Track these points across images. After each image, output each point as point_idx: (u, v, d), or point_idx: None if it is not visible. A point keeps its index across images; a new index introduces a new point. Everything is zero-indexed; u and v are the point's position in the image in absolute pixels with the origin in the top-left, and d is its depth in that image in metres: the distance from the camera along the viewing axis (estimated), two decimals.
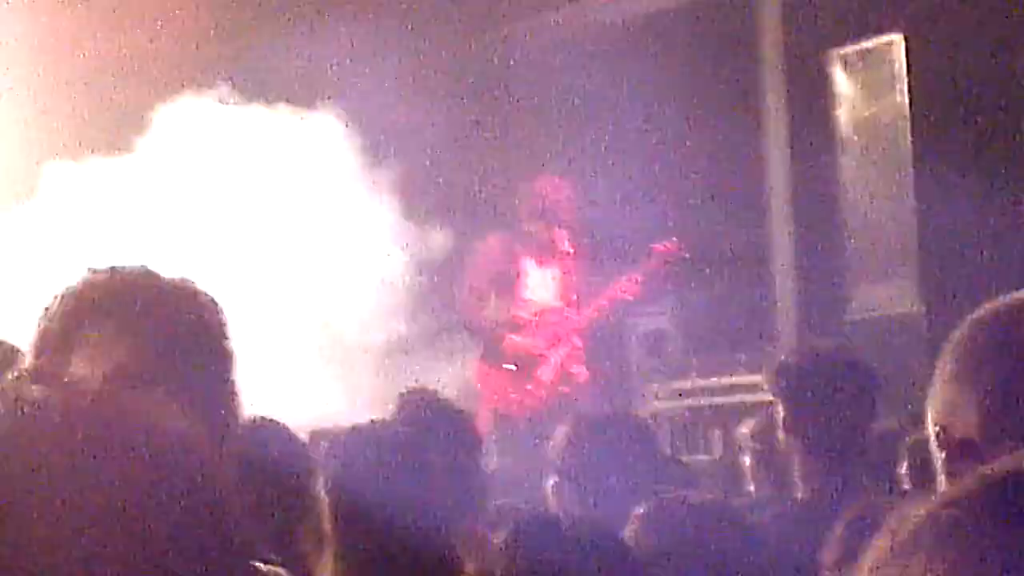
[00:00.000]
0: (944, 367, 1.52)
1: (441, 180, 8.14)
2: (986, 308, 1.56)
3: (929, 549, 0.82)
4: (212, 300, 1.78)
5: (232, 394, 1.76)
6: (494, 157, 8.75)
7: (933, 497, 0.85)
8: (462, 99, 8.80)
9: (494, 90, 9.16)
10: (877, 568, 0.84)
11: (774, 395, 3.36)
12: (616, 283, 7.06)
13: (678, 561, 2.11)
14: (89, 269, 1.75)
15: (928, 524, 0.83)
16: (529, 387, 7.14)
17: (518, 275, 7.27)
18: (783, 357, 3.41)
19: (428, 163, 8.09)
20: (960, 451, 1.47)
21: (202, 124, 7.41)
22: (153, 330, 1.69)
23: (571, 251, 7.15)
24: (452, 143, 8.46)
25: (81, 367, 1.60)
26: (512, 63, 9.18)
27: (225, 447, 1.70)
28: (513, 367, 7.21)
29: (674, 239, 7.06)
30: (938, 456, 1.51)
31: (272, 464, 2.72)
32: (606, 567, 2.12)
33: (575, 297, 7.22)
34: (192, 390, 1.64)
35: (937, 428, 1.51)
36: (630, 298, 7.08)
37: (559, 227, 7.09)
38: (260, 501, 2.65)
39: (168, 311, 1.73)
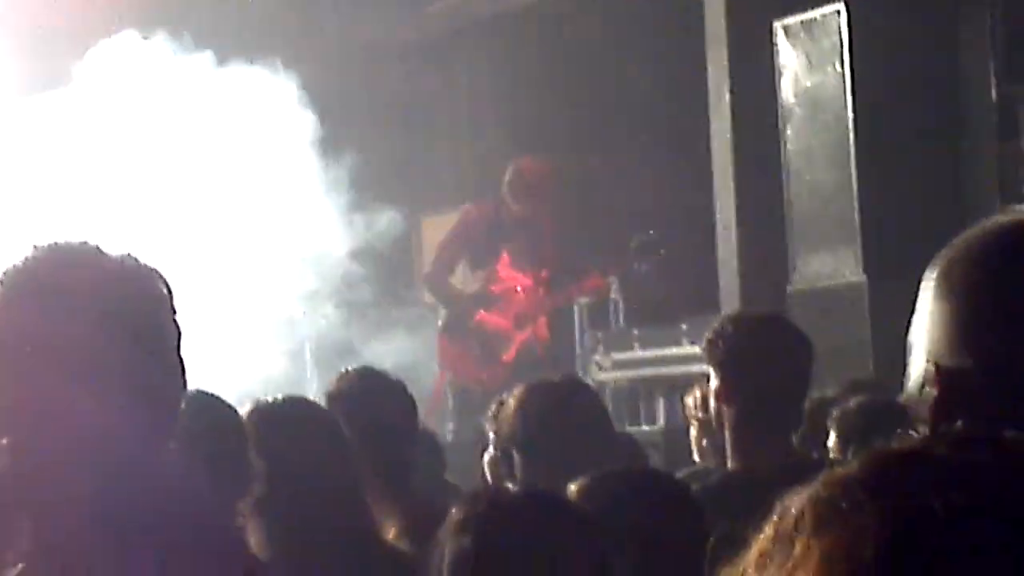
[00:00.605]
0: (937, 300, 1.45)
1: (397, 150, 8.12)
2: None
3: (808, 532, 0.82)
4: (157, 276, 1.74)
5: (179, 371, 1.73)
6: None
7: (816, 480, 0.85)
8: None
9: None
10: (762, 554, 0.84)
11: (708, 364, 3.36)
12: (592, 275, 7.09)
13: (616, 535, 2.10)
14: (33, 247, 1.71)
15: (808, 506, 0.83)
16: (492, 365, 7.14)
17: (498, 249, 7.25)
18: (715, 326, 3.42)
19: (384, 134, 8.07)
20: (954, 384, 1.41)
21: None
22: (99, 310, 1.65)
23: (550, 232, 7.16)
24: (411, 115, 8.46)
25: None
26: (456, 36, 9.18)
27: (170, 425, 1.72)
28: (479, 347, 7.21)
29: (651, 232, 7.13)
30: (926, 400, 1.44)
31: (212, 434, 2.75)
32: (561, 538, 2.11)
33: (547, 279, 7.21)
34: (138, 369, 1.64)
35: (930, 365, 1.44)
36: (602, 289, 7.12)
37: (541, 205, 7.10)
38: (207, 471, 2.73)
39: (112, 290, 1.69)
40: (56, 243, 1.75)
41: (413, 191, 8.42)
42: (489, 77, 9.04)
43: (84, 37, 7.32)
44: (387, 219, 7.21)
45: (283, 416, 2.92)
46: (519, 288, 7.27)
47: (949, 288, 1.41)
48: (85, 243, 1.78)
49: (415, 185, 8.63)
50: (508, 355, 7.24)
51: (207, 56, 7.14)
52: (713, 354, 3.31)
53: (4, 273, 1.71)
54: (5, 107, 7.48)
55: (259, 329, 7.17)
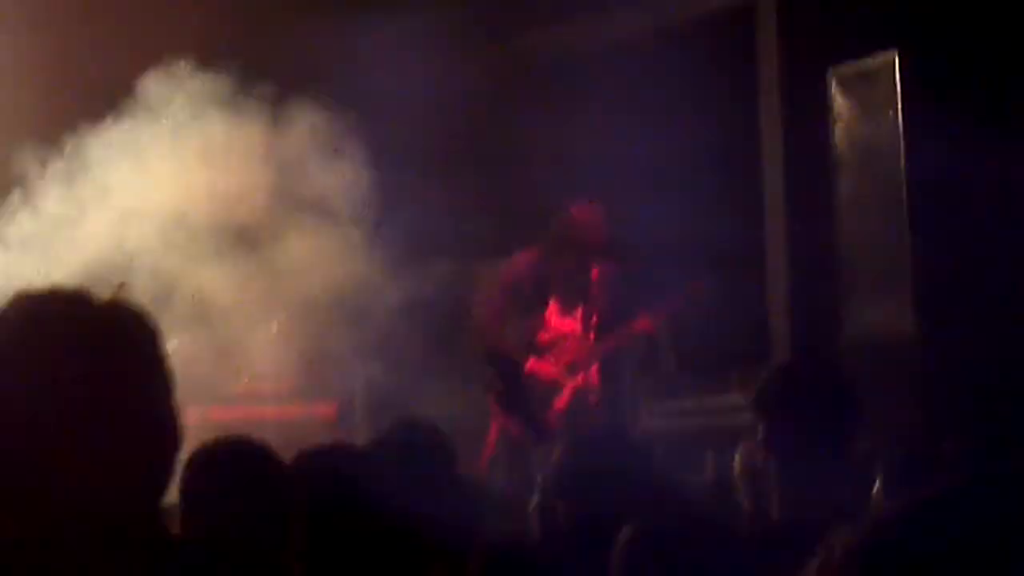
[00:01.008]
0: None
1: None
2: None
3: None
4: (146, 322, 1.75)
5: (172, 419, 1.73)
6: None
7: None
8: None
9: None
10: None
11: (754, 413, 3.37)
12: (641, 317, 7.07)
13: None
14: (23, 294, 1.72)
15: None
16: (543, 414, 7.12)
17: (547, 297, 7.25)
18: (763, 375, 3.43)
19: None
20: None
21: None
22: (90, 360, 1.67)
23: (599, 279, 7.17)
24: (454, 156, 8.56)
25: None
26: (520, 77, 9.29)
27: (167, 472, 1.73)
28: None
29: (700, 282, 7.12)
30: None
31: (254, 482, 2.80)
32: None
33: (597, 325, 7.20)
34: (132, 420, 1.65)
35: None
36: (651, 332, 7.10)
37: (590, 254, 7.10)
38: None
39: (102, 339, 1.70)
40: (49, 290, 1.78)
41: (467, 241, 8.52)
42: (544, 124, 9.16)
43: (139, 68, 7.55)
44: (441, 269, 7.27)
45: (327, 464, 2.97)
46: (568, 335, 7.28)
47: None
48: (77, 289, 1.80)
49: (469, 235, 8.73)
50: (560, 403, 7.23)
51: (263, 92, 7.30)
52: (758, 402, 3.31)
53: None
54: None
55: (311, 377, 7.29)
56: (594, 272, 7.14)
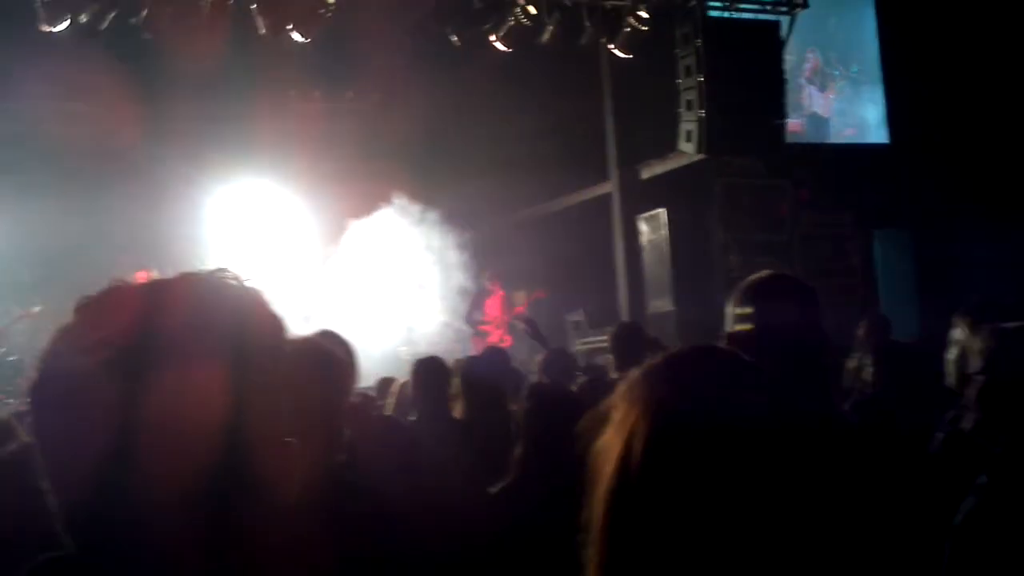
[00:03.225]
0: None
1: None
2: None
3: (626, 402, 1.58)
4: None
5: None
6: None
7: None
8: None
9: None
10: (614, 408, 1.61)
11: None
12: (518, 309, 17.11)
13: None
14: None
15: (629, 385, 1.61)
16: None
17: (486, 301, 17.21)
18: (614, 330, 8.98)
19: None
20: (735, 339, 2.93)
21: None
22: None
23: (499, 292, 17.13)
24: None
25: None
26: None
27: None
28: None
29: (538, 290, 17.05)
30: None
31: None
32: None
33: (500, 312, 16.97)
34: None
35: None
36: (525, 314, 15.49)
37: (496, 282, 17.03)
38: None
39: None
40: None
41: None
42: None
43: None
44: None
45: None
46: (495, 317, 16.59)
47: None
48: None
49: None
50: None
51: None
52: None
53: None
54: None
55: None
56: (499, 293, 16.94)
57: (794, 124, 16.27)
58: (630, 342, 7.09)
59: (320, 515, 1.68)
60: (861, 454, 2.55)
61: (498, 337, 16.10)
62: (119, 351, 1.47)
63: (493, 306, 16.38)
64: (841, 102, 18.04)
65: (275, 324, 1.60)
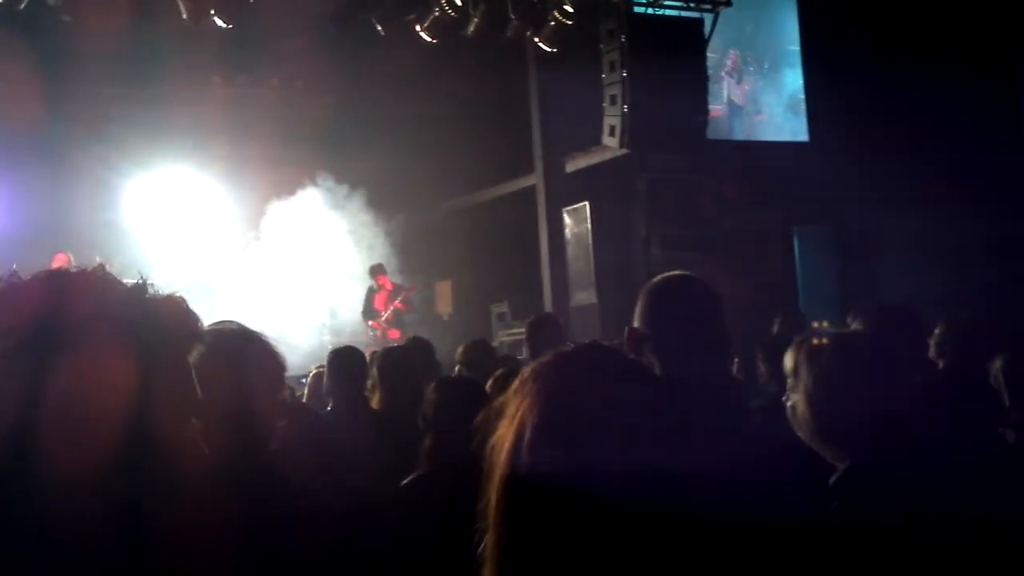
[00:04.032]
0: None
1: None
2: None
3: (520, 393, 1.69)
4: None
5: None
6: None
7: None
8: None
9: None
10: (508, 403, 1.69)
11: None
12: (398, 304, 16.97)
13: None
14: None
15: (524, 378, 1.71)
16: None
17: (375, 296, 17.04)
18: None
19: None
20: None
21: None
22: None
23: (388, 286, 17.06)
24: None
25: None
26: None
27: None
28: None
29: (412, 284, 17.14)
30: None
31: None
32: None
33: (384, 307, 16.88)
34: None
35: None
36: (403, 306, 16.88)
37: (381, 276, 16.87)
38: None
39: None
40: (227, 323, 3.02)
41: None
42: None
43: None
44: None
45: None
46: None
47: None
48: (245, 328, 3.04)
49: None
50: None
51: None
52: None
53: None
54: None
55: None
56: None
57: (715, 110, 16.43)
58: (544, 334, 7.13)
59: (227, 505, 1.74)
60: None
61: (381, 330, 16.23)
62: (24, 337, 1.53)
63: (380, 300, 16.44)
64: (753, 92, 18.33)
65: (182, 315, 1.67)
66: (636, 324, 2.93)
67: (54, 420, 1.48)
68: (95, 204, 16.19)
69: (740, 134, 18.08)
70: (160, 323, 1.61)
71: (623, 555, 1.56)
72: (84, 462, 1.48)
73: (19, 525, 1.50)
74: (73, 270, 1.65)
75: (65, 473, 1.48)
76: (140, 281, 1.65)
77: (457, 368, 7.74)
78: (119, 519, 1.52)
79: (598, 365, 1.73)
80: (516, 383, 1.71)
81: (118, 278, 1.65)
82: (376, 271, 16.46)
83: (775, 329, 8.70)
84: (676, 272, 3.18)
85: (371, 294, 16.44)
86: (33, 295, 1.60)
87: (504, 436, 1.65)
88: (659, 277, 3.11)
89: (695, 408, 1.87)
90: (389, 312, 16.29)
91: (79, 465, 1.48)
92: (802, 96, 18.52)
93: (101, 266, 1.65)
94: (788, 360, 2.78)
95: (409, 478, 4.29)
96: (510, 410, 1.67)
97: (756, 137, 18.24)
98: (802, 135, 18.46)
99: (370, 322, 16.29)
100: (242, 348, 2.98)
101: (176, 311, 1.67)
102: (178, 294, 1.69)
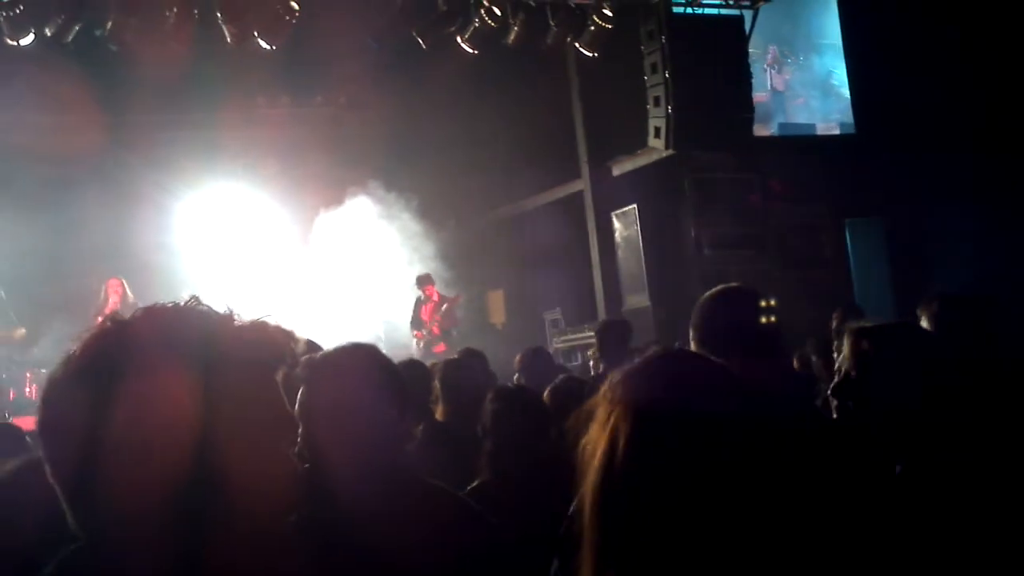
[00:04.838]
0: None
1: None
2: None
3: (608, 403, 1.74)
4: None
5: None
6: None
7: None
8: None
9: None
10: (594, 417, 1.74)
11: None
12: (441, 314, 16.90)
13: None
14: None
15: (609, 388, 1.78)
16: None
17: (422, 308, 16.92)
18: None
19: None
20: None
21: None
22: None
23: (435, 297, 16.75)
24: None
25: None
26: None
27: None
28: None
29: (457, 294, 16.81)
30: None
31: None
32: None
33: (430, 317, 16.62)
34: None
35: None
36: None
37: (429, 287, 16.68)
38: None
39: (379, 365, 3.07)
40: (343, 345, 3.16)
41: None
42: None
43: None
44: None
45: None
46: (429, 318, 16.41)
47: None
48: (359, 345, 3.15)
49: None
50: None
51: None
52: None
53: (311, 363, 2.86)
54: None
55: None
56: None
57: (759, 96, 16.34)
58: (613, 337, 7.20)
59: (294, 523, 1.71)
60: (834, 448, 2.71)
61: (425, 341, 16.20)
62: (84, 364, 1.57)
63: (427, 311, 16.41)
64: (792, 80, 18.31)
65: (265, 340, 1.67)
66: (693, 335, 3.07)
67: (114, 452, 1.50)
68: (149, 227, 16.37)
69: (781, 117, 18.01)
70: (237, 351, 1.61)
71: (718, 561, 1.61)
72: (143, 500, 1.51)
73: (107, 545, 1.54)
74: (157, 305, 1.67)
75: (124, 511, 1.51)
76: (225, 311, 1.66)
77: (516, 376, 7.78)
78: (191, 545, 1.53)
79: (687, 372, 1.79)
80: (604, 389, 1.76)
81: (198, 309, 1.66)
82: (424, 281, 16.44)
83: (834, 324, 8.63)
84: (731, 285, 3.33)
85: (419, 305, 16.44)
86: (99, 327, 1.63)
87: (596, 442, 1.71)
88: (714, 290, 3.27)
89: (771, 413, 1.89)
90: (434, 323, 16.28)
91: (138, 503, 1.51)
92: (834, 81, 18.48)
93: (195, 298, 1.67)
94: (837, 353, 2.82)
95: (470, 486, 4.34)
96: (600, 415, 1.73)
97: (796, 119, 18.12)
98: (836, 116, 18.37)
99: (415, 332, 16.29)
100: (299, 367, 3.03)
101: (260, 336, 1.67)
102: (265, 319, 1.70)
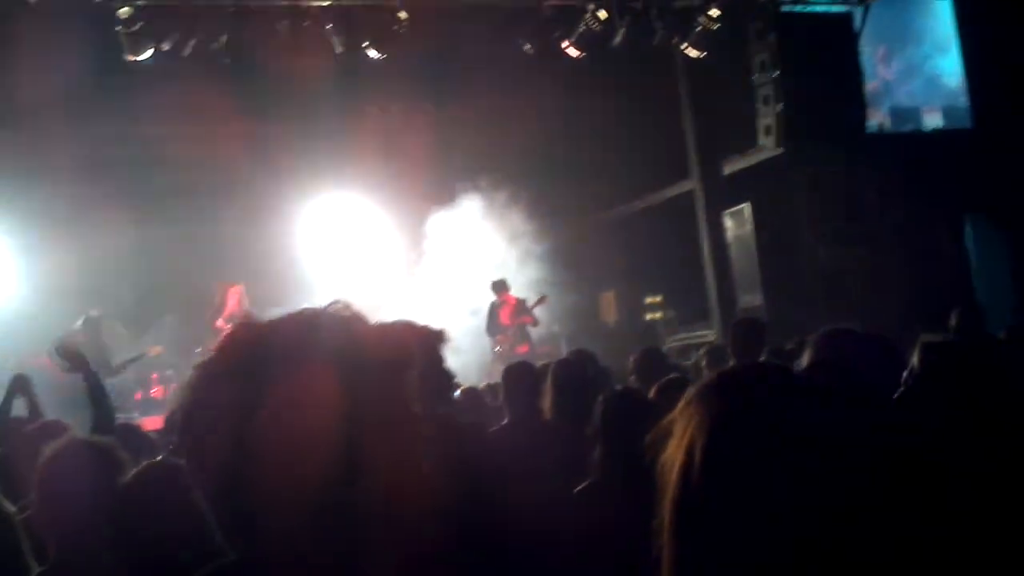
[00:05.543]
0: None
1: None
2: None
3: (690, 409, 1.72)
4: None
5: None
6: None
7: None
8: None
9: None
10: (675, 420, 1.71)
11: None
12: (526, 319, 16.55)
13: None
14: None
15: (691, 396, 1.74)
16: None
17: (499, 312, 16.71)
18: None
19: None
20: None
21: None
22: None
23: (511, 301, 16.58)
24: None
25: None
26: None
27: None
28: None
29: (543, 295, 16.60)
30: None
31: None
32: None
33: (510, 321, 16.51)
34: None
35: None
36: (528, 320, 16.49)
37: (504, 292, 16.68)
38: None
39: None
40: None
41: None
42: None
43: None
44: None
45: None
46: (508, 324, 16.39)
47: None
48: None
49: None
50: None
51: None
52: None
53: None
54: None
55: None
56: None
57: (872, 84, 16.06)
58: (746, 335, 7.24)
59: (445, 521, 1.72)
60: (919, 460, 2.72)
61: (508, 344, 16.27)
62: (230, 365, 1.58)
63: (505, 315, 16.41)
64: (897, 70, 17.96)
65: (398, 342, 1.67)
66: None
67: (263, 453, 1.50)
68: (262, 234, 16.78)
69: (890, 102, 17.71)
70: (378, 352, 1.61)
71: None
72: (295, 494, 1.49)
73: (262, 553, 1.53)
74: (300, 308, 1.67)
75: (277, 504, 1.50)
76: (360, 313, 1.66)
77: (632, 378, 7.80)
78: (347, 546, 1.53)
79: (763, 384, 1.76)
80: (682, 402, 1.74)
81: (338, 311, 1.67)
82: (499, 287, 16.48)
83: (952, 323, 8.43)
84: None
85: (494, 309, 16.44)
86: (242, 328, 1.64)
87: (674, 456, 1.69)
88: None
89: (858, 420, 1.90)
90: (516, 324, 16.29)
91: (290, 497, 1.50)
92: (937, 70, 18.16)
93: (344, 305, 1.68)
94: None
95: (581, 486, 4.39)
96: (678, 429, 1.71)
97: (904, 104, 17.81)
98: (939, 101, 18.05)
99: (497, 336, 16.31)
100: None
101: (397, 338, 1.67)
102: (398, 321, 1.71)
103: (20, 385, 8.29)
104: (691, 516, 1.64)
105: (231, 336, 1.62)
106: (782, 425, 1.65)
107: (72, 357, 7.52)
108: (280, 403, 1.51)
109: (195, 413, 1.58)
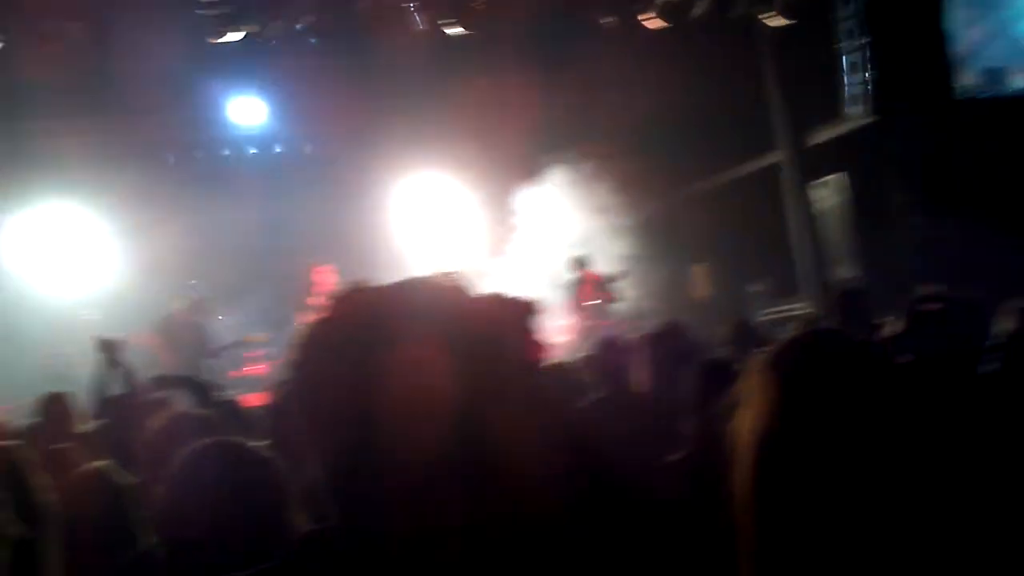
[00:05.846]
0: None
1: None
2: None
3: (757, 377, 1.73)
4: None
5: None
6: None
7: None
8: None
9: None
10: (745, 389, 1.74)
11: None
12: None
13: None
14: None
15: (758, 366, 1.75)
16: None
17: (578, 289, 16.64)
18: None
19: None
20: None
21: None
22: None
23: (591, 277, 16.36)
24: None
25: None
26: None
27: None
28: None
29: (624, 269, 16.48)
30: None
31: None
32: None
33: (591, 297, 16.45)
34: None
35: None
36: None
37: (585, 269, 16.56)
38: None
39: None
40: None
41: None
42: None
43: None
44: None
45: None
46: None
47: None
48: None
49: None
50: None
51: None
52: None
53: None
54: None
55: None
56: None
57: (959, 47, 15.65)
58: (852, 304, 7.33)
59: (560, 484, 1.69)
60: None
61: (589, 321, 15.94)
62: (348, 333, 1.55)
63: (585, 292, 16.26)
64: (987, 34, 17.35)
65: (513, 316, 1.72)
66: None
67: (388, 414, 1.48)
68: (352, 211, 17.02)
69: (978, 65, 17.19)
70: (483, 318, 1.60)
71: (870, 543, 1.60)
72: (422, 459, 1.48)
73: (373, 517, 1.52)
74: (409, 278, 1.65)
75: (405, 470, 1.48)
76: (463, 284, 1.63)
77: (727, 348, 7.81)
78: (465, 511, 1.51)
79: (831, 353, 1.76)
80: (752, 371, 1.75)
81: (444, 281, 1.64)
82: (579, 263, 16.38)
83: None
84: None
85: (574, 286, 16.33)
86: (352, 296, 1.62)
87: (744, 424, 1.70)
88: None
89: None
90: (598, 299, 16.15)
91: (417, 463, 1.48)
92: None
93: (449, 275, 1.66)
94: None
95: (673, 456, 4.41)
96: (749, 398, 1.72)
97: (991, 66, 17.31)
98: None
99: (577, 313, 16.13)
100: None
101: (508, 312, 1.67)
102: (514, 295, 1.73)
103: (107, 348, 8.42)
104: (764, 486, 1.65)
105: (342, 303, 1.61)
106: (850, 392, 1.65)
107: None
108: (402, 369, 1.49)
109: (314, 384, 1.57)
